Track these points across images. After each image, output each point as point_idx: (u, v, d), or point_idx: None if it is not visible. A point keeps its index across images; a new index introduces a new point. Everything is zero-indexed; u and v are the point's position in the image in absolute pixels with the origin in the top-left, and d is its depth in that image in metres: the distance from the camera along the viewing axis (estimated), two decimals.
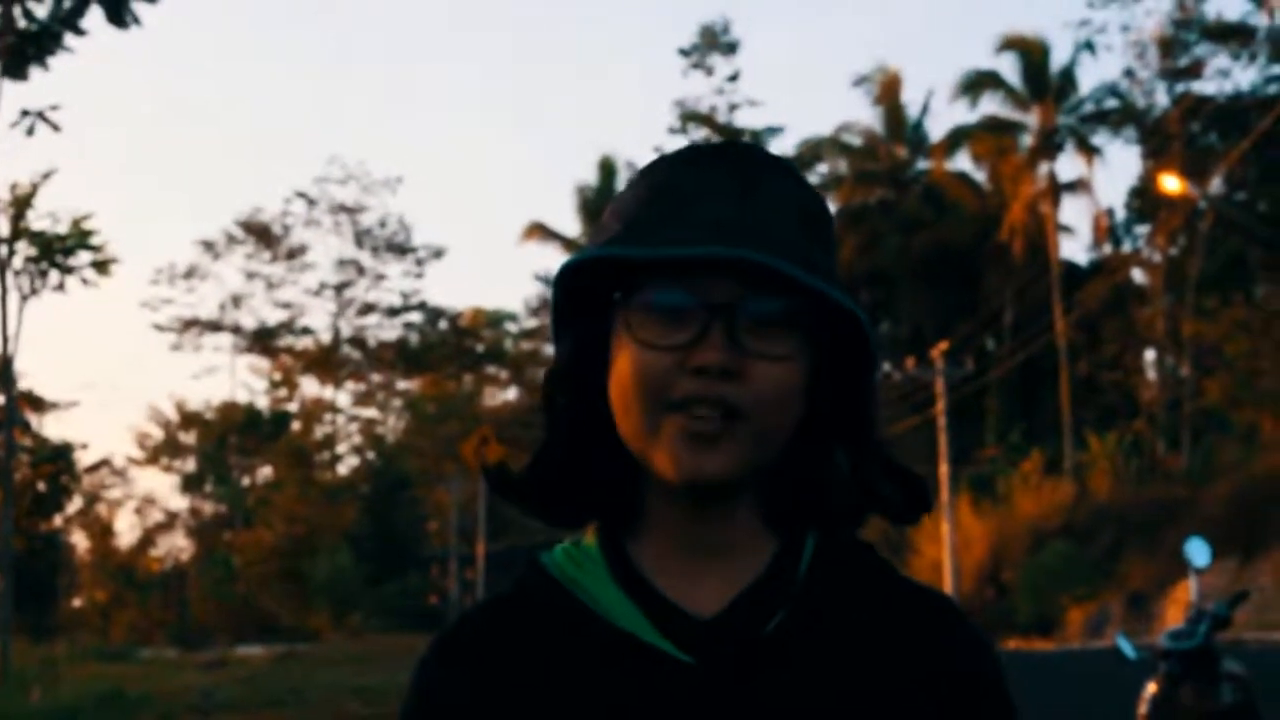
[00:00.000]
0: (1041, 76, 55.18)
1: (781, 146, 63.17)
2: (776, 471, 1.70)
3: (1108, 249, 57.55)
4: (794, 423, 1.65)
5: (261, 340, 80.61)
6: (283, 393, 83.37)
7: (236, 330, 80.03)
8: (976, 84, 56.42)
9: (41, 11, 17.78)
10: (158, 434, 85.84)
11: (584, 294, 1.69)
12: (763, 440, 1.62)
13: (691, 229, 1.59)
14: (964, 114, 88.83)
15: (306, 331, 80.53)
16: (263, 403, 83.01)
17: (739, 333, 1.59)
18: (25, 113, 19.35)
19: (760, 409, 1.60)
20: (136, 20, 16.91)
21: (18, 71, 18.52)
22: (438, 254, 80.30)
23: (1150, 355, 53.64)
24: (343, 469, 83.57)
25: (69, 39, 18.46)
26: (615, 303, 1.67)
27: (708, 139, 62.16)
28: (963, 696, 1.69)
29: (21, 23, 17.88)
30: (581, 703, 1.62)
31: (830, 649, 1.66)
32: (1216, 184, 49.47)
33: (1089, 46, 54.17)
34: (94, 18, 17.53)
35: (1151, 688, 7.04)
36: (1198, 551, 7.11)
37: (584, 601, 1.68)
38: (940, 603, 1.76)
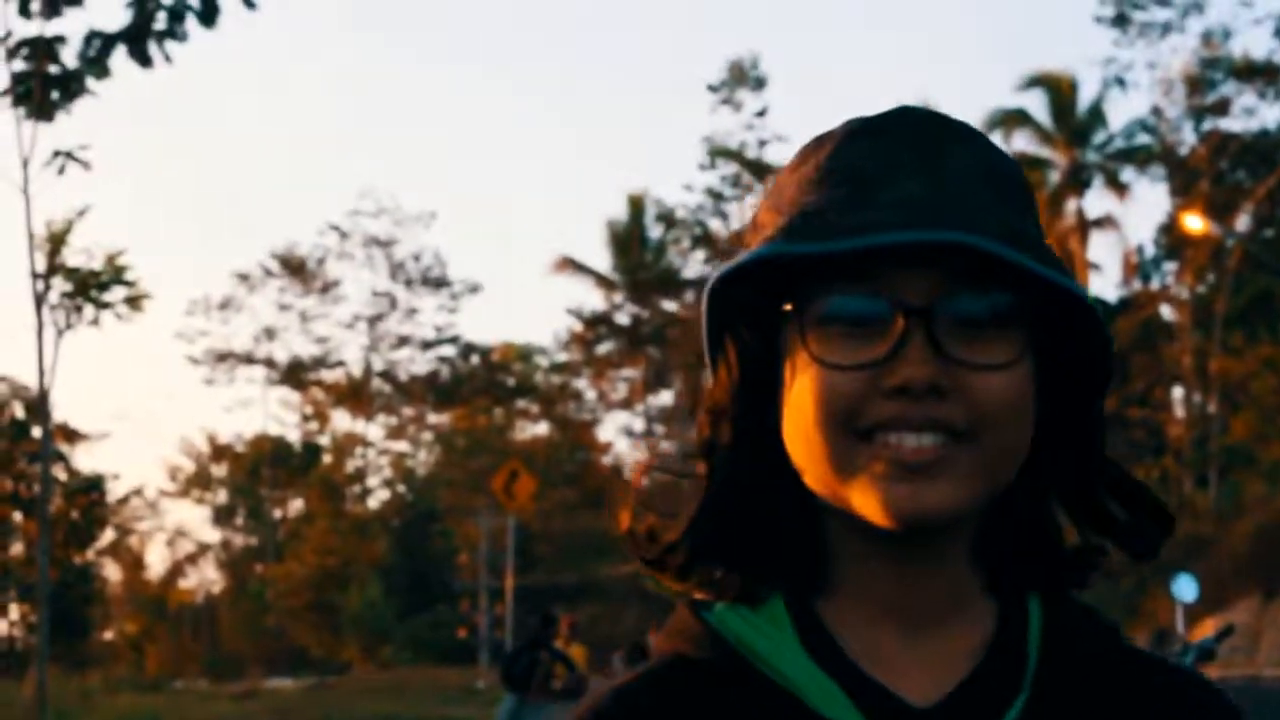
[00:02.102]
0: (1069, 113, 55.33)
1: None
2: (992, 513, 1.41)
3: (1136, 285, 57.70)
4: (1028, 441, 1.36)
5: (294, 373, 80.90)
6: (314, 426, 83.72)
7: (269, 363, 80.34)
8: (1005, 121, 56.60)
9: (71, 59, 18.11)
10: (189, 466, 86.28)
11: (745, 308, 1.39)
12: (993, 467, 1.33)
13: (875, 214, 1.29)
14: None
15: (339, 364, 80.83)
16: (294, 436, 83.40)
17: (944, 339, 1.30)
18: (56, 153, 19.68)
19: (986, 427, 1.31)
20: (167, 58, 17.13)
21: (43, 115, 18.84)
22: (473, 289, 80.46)
23: (1178, 392, 53.68)
24: (373, 502, 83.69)
25: (92, 83, 18.74)
26: (786, 316, 1.36)
27: (738, 173, 62.61)
28: None
29: (52, 69, 18.23)
30: None
31: None
32: (1244, 221, 49.60)
33: (1120, 83, 54.33)
34: (120, 57, 17.68)
35: None
36: (1185, 588, 7.38)
37: (770, 677, 1.37)
38: (1196, 684, 1.48)
